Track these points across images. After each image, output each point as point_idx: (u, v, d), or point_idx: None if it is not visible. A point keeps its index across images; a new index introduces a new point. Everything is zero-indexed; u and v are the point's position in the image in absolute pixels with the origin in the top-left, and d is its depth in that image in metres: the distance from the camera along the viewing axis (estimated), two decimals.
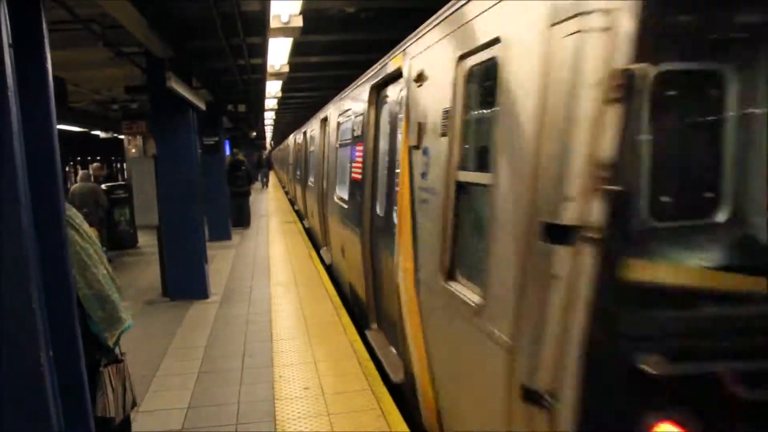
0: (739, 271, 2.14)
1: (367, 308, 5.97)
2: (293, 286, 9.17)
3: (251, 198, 19.11)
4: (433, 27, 3.70)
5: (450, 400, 3.37)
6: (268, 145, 58.32)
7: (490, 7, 2.73)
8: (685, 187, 2.19)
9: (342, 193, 7.53)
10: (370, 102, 5.91)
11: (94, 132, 17.82)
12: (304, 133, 14.72)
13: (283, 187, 28.36)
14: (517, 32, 2.47)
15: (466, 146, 3.21)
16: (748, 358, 2.02)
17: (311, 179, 11.75)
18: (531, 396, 2.24)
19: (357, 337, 6.51)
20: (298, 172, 15.46)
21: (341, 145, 8.03)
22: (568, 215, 2.04)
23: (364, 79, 6.51)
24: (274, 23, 6.05)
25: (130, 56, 7.97)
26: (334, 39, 9.30)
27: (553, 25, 2.18)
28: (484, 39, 2.83)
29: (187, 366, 6.01)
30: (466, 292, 3.01)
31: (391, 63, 4.95)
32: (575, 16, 2.05)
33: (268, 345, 6.48)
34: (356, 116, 6.65)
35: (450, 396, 3.36)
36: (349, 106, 7.31)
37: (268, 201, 25.44)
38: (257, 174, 34.86)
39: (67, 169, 25.85)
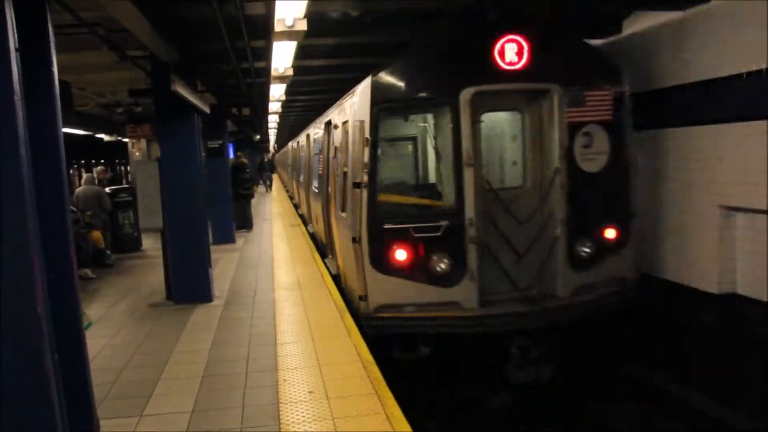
0: (427, 198, 6.57)
1: (326, 247, 10.34)
2: (297, 289, 9.21)
3: (254, 201, 19.93)
4: (338, 107, 8.76)
5: (344, 263, 7.65)
6: (271, 148, 58.59)
7: (346, 109, 7.53)
8: (414, 177, 6.76)
9: (316, 183, 12.15)
10: (324, 131, 10.47)
11: (98, 135, 17.90)
12: (297, 143, 20.11)
13: (287, 190, 31.56)
14: (350, 119, 7.03)
15: (346, 157, 7.37)
16: (418, 223, 6.29)
17: (301, 177, 16.41)
18: (354, 240, 6.43)
19: (361, 341, 6.52)
20: (295, 173, 21.07)
21: (315, 154, 12.81)
22: (358, 180, 6.28)
23: (323, 117, 11.20)
24: (278, 27, 6.08)
25: (135, 60, 8.01)
26: (337, 42, 9.40)
27: (354, 120, 6.79)
28: (345, 119, 7.45)
29: (191, 369, 6.03)
30: (343, 214, 7.24)
31: (329, 115, 9.97)
32: (358, 120, 6.58)
33: (272, 349, 6.49)
34: (320, 138, 11.31)
35: (344, 261, 7.62)
36: (318, 131, 12.19)
37: (272, 203, 25.53)
38: (260, 176, 35.13)
39: (71, 171, 25.93)
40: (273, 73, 9.48)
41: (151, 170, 8.44)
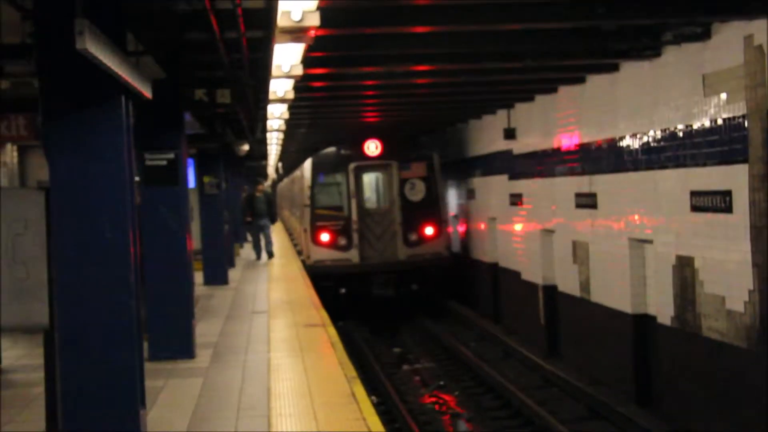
0: (336, 211, 41.18)
1: (302, 249, 46.81)
2: None
3: (237, 275, 33.49)
4: (300, 168, 52.16)
5: (301, 243, 49.98)
6: (271, 172, 64.03)
7: (302, 170, 46.51)
8: (331, 202, 41.31)
9: (297, 211, 53.48)
10: (291, 181, 67.99)
11: None
12: (295, 177, 54.75)
13: (295, 245, 56.47)
14: (303, 175, 44.10)
15: (302, 193, 44.86)
16: (332, 222, 40.37)
17: (292, 209, 60.81)
18: (305, 230, 43.17)
19: None
20: (294, 209, 55.20)
21: (295, 192, 58.16)
22: (306, 203, 41.06)
23: (295, 172, 59.55)
24: None
25: None
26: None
27: (304, 176, 43.82)
28: (302, 175, 47.29)
29: None
30: (301, 220, 46.37)
31: (298, 171, 55.04)
32: (306, 176, 43.47)
33: None
34: (297, 182, 54.12)
35: (301, 242, 50.33)
36: (294, 178, 60.00)
37: (273, 284, 28.49)
38: (247, 228, 40.33)
39: None
40: (280, 20, 9.30)
41: (26, 207, 8.61)
